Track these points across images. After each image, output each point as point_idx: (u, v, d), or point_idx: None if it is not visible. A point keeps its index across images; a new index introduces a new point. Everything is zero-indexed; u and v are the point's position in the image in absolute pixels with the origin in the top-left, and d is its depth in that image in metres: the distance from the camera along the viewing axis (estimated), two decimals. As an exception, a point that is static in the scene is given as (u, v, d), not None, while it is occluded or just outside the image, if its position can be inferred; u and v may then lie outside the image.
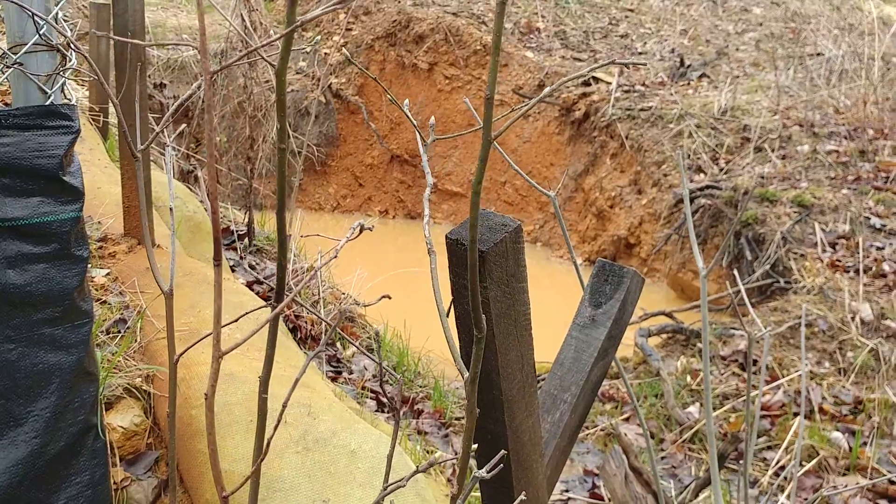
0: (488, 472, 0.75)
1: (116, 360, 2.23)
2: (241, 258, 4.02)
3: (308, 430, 1.97)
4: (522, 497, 0.88)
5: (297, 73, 10.53)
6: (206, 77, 0.61)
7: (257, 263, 4.01)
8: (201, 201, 4.05)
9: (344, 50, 10.76)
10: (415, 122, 0.97)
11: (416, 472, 0.76)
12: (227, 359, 2.24)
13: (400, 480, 0.90)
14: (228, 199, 5.70)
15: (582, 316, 1.52)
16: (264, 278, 3.77)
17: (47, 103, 1.86)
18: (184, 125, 5.00)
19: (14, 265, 1.80)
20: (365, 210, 10.02)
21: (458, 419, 3.16)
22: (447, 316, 1.08)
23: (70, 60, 1.87)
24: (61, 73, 1.85)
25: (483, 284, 1.00)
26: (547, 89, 0.77)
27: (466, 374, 0.83)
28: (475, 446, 0.91)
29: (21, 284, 1.81)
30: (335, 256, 0.82)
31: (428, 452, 2.70)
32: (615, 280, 1.50)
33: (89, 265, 2.01)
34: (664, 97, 8.26)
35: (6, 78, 1.86)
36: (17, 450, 1.82)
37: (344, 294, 3.83)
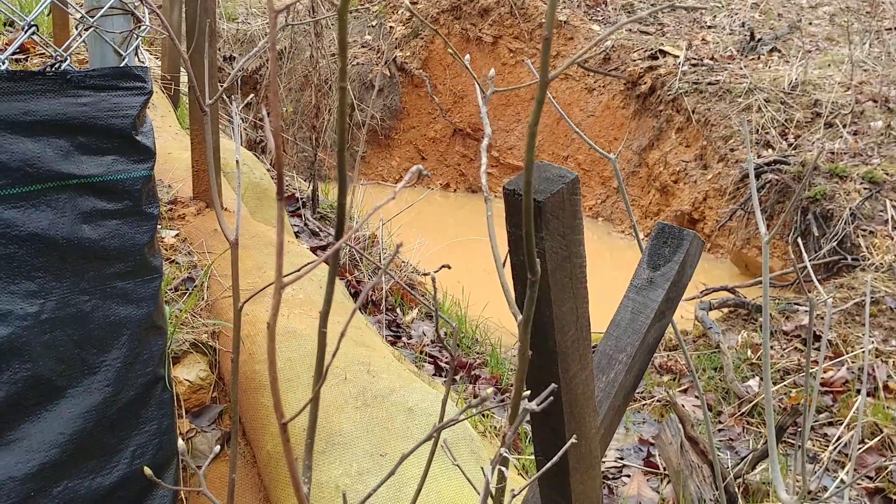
0: (538, 405, 0.77)
1: (184, 316, 2.31)
2: (306, 224, 4.09)
3: (367, 386, 2.02)
4: (574, 440, 0.90)
5: (362, 46, 10.58)
6: (272, 15, 0.64)
7: (321, 230, 4.08)
8: (268, 169, 4.13)
9: (405, 24, 10.77)
10: (474, 74, 0.98)
11: (469, 406, 0.79)
12: (291, 317, 2.29)
13: (451, 420, 0.92)
14: (294, 168, 5.78)
15: (639, 278, 1.53)
16: (328, 244, 3.83)
17: (122, 65, 1.92)
18: (252, 95, 5.08)
19: (89, 220, 1.87)
20: (427, 183, 10.06)
21: (512, 385, 3.17)
22: (503, 265, 1.10)
23: (144, 22, 1.92)
24: (136, 33, 1.91)
25: (539, 235, 1.02)
26: (607, 33, 0.78)
27: (520, 317, 0.85)
28: (527, 392, 0.93)
29: (95, 239, 1.88)
30: (393, 198, 0.84)
31: (484, 416, 2.74)
32: (674, 242, 1.50)
33: (159, 225, 2.08)
34: (733, 71, 8.08)
35: (84, 41, 1.93)
36: (91, 396, 1.90)
37: (404, 262, 3.88)
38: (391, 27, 10.89)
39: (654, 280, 1.50)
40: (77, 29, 1.95)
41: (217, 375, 2.25)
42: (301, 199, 4.32)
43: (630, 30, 9.58)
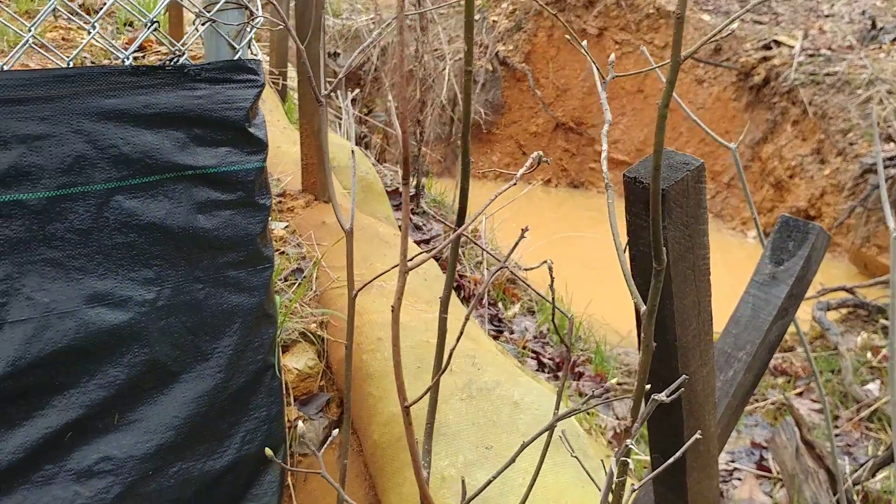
0: (668, 396, 0.74)
1: (293, 306, 2.35)
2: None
3: (472, 379, 2.01)
4: (698, 435, 0.86)
5: (439, 44, 10.59)
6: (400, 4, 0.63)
7: (424, 224, 4.09)
8: (373, 164, 4.17)
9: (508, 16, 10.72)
10: (591, 57, 0.95)
11: (591, 396, 0.76)
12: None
13: (572, 410, 0.90)
14: (398, 164, 5.82)
15: (761, 273, 1.46)
16: (431, 238, 3.85)
17: (235, 58, 1.96)
18: (357, 90, 5.15)
19: (204, 210, 1.92)
20: (528, 178, 10.01)
21: (619, 384, 3.13)
22: (624, 251, 1.06)
23: (257, 15, 1.95)
24: (250, 25, 1.94)
25: (662, 224, 0.98)
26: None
27: (643, 308, 0.82)
28: (648, 385, 0.89)
29: (209, 229, 1.93)
30: (514, 183, 0.82)
31: (589, 414, 2.69)
32: (799, 236, 1.43)
33: (270, 216, 2.12)
34: (852, 62, 7.73)
35: (200, 35, 1.98)
36: (203, 382, 1.95)
37: (507, 257, 3.84)
38: (493, 21, 10.86)
39: (777, 275, 1.44)
40: (194, 24, 2.00)
41: (325, 364, 2.28)
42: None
43: (742, 19, 9.28)
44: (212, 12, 1.91)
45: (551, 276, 0.83)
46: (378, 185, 3.83)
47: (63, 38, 4.59)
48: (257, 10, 1.97)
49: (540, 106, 10.16)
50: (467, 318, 0.71)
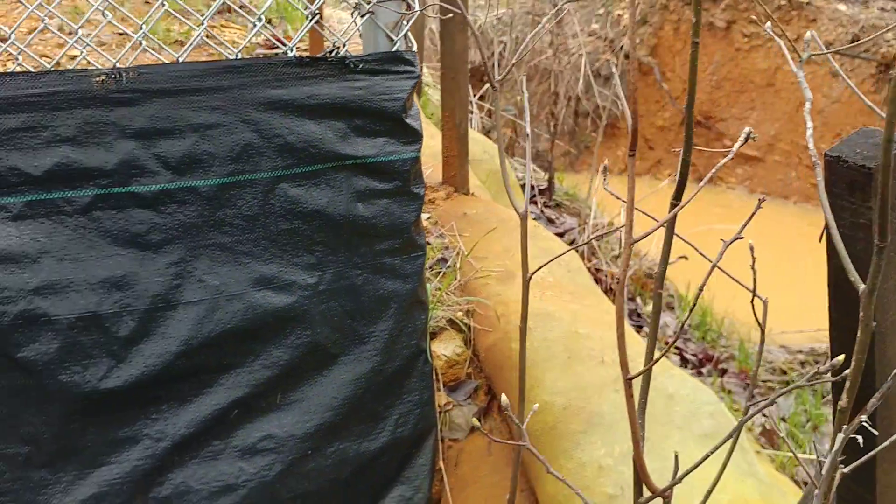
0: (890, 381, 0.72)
1: (441, 294, 2.38)
2: (542, 212, 4.11)
3: (624, 370, 1.99)
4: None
5: (589, 35, 10.49)
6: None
7: (556, 217, 4.08)
8: (513, 158, 4.18)
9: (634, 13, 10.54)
10: (786, 39, 0.92)
11: (798, 385, 0.74)
12: (543, 299, 2.31)
13: (773, 398, 0.88)
14: (536, 158, 5.83)
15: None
16: (564, 231, 3.83)
17: (393, 50, 2.00)
18: (486, 86, 5.18)
19: (363, 199, 1.97)
20: (654, 173, 9.82)
21: (763, 381, 3.04)
22: (819, 240, 1.04)
23: (414, 7, 1.99)
24: (407, 18, 1.98)
25: (866, 205, 0.95)
26: None
27: (862, 287, 0.80)
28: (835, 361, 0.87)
29: (368, 217, 1.98)
30: (729, 158, 0.81)
31: (735, 411, 2.63)
32: None
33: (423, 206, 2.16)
34: None
35: (359, 28, 2.03)
36: (361, 365, 2.01)
37: (644, 253, 3.80)
38: (618, 15, 10.71)
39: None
40: (352, 15, 2.05)
41: (472, 352, 2.31)
42: (536, 186, 4.34)
43: (883, 9, 8.83)
44: (371, 3, 1.95)
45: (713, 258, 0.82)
46: (511, 177, 3.85)
47: (208, 35, 4.79)
48: (414, 1, 2.01)
49: (666, 100, 9.95)
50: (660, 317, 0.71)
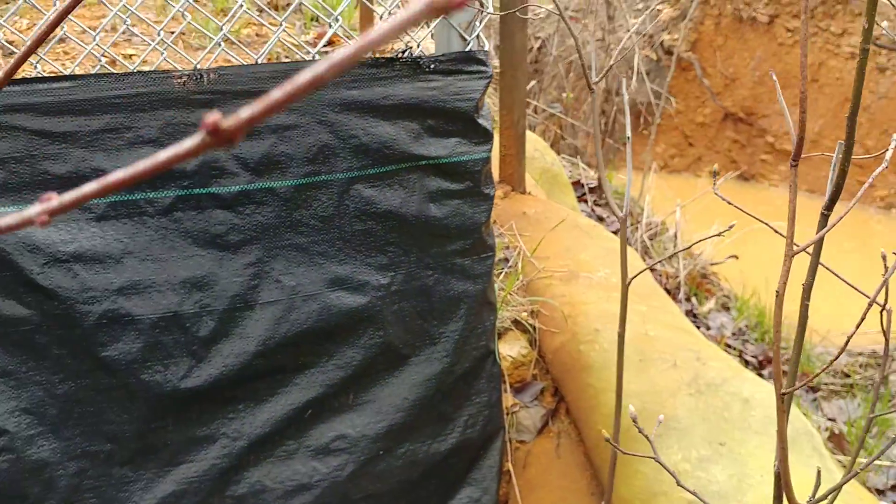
0: None
1: (505, 295, 2.37)
2: (592, 210, 4.08)
3: (698, 374, 1.97)
4: None
5: (627, 30, 10.40)
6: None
7: (607, 216, 4.05)
8: (559, 156, 4.16)
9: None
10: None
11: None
12: (610, 301, 2.29)
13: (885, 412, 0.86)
14: (579, 155, 5.79)
15: None
16: (616, 230, 3.81)
17: (467, 49, 1.99)
18: (534, 82, 5.14)
19: (435, 199, 1.97)
20: (694, 170, 9.72)
21: (826, 384, 3.00)
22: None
23: (486, 8, 1.98)
24: (479, 19, 1.97)
25: None
26: None
27: None
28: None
29: (440, 217, 1.97)
30: (886, 167, 0.79)
31: (804, 415, 2.59)
32: None
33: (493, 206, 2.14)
34: None
35: (432, 30, 2.02)
36: (432, 365, 2.00)
37: (698, 253, 3.76)
38: (658, 9, 10.60)
39: None
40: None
41: (537, 353, 2.30)
42: (587, 184, 4.31)
43: (932, 2, 8.66)
44: (445, 5, 1.94)
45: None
46: (563, 176, 3.83)
47: (257, 34, 4.82)
48: (487, 1, 2.00)
49: (707, 96, 9.85)
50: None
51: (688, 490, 0.92)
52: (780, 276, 0.65)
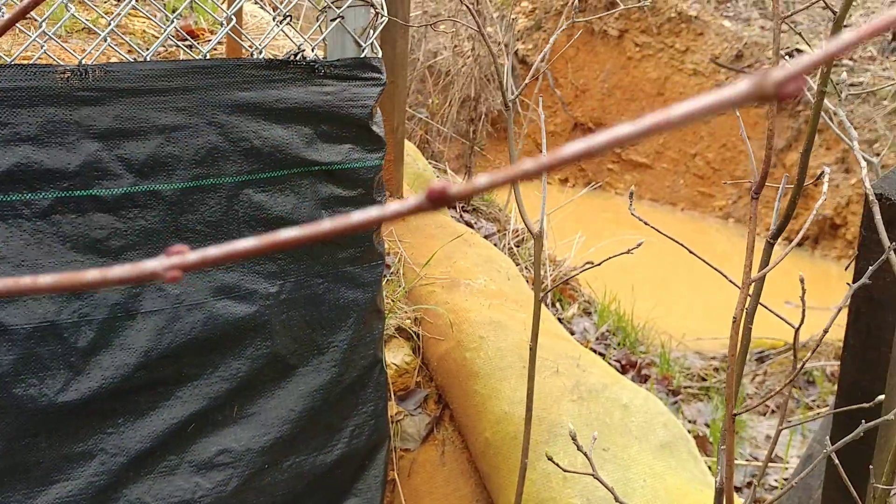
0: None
1: (390, 303, 2.36)
2: (460, 216, 4.13)
3: (580, 380, 2.03)
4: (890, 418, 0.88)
5: (494, 40, 10.59)
6: None
7: (474, 222, 4.11)
8: (429, 161, 4.18)
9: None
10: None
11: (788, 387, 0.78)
12: (491, 307, 2.32)
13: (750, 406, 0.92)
14: (447, 162, 5.83)
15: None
16: (485, 237, 3.87)
17: (361, 55, 1.97)
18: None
19: (327, 206, 1.94)
20: (548, 178, 10.03)
21: (685, 387, 3.16)
22: (846, 269, 1.08)
23: (382, 13, 1.97)
24: (374, 25, 1.96)
25: (898, 242, 1.00)
26: None
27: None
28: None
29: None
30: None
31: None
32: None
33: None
34: (875, 73, 7.78)
35: (325, 35, 1.99)
36: (319, 376, 1.97)
37: (561, 259, 3.88)
38: (513, 19, 10.87)
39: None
40: (317, 20, 2.01)
41: (421, 360, 2.30)
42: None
43: (763, 27, 9.32)
44: (341, 9, 1.92)
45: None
46: (434, 181, 3.85)
47: (118, 25, 4.58)
48: (382, 8, 1.99)
49: (558, 105, 10.18)
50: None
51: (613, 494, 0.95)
52: (737, 304, 0.68)
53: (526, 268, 3.75)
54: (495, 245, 3.83)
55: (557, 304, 3.58)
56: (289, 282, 1.90)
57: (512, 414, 1.96)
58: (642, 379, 3.17)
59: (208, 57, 1.85)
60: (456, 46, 8.74)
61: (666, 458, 1.86)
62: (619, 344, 3.43)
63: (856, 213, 6.53)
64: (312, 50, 1.92)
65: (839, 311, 0.98)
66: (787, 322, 0.94)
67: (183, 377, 1.81)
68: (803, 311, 0.97)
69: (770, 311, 0.97)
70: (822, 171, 0.89)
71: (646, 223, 1.13)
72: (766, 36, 9.03)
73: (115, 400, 1.70)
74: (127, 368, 1.70)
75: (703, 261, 0.88)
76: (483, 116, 9.35)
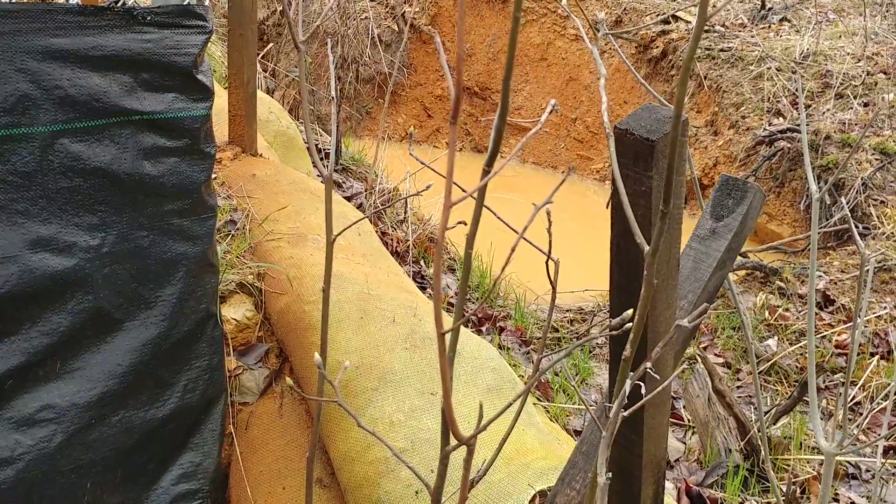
0: (690, 323, 0.81)
1: (232, 258, 2.34)
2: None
3: (414, 329, 2.07)
4: (648, 366, 0.94)
5: (371, 0, 10.49)
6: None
7: (343, 182, 4.10)
8: (294, 119, 4.13)
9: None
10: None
11: (582, 342, 0.82)
12: (337, 261, 2.33)
13: (558, 359, 0.96)
14: (317, 121, 5.76)
15: (702, 228, 1.57)
16: (351, 195, 3.86)
17: (185, 3, 1.93)
18: (271, 45, 5.06)
19: (149, 157, 1.90)
20: (433, 142, 10.04)
21: (537, 338, 3.25)
22: (607, 207, 1.14)
23: (206, -38, 1.92)
24: (198, -27, 1.91)
25: (647, 174, 1.06)
26: None
27: (647, 248, 0.89)
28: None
29: (155, 175, 1.91)
30: (537, 130, 0.88)
31: (513, 366, 2.79)
32: (738, 194, 1.54)
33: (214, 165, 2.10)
34: (744, 39, 8.07)
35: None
36: (147, 330, 1.94)
37: (427, 218, 3.91)
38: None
39: (717, 230, 1.55)
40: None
41: (263, 315, 2.29)
42: (323, 150, 4.33)
43: (642, -7, 9.52)
44: (161, -45, 1.87)
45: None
46: (298, 139, 3.81)
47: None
48: (206, -45, 1.94)
49: (445, 70, 10.18)
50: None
51: (366, 430, 0.98)
52: (440, 227, 0.70)
53: (392, 226, 3.76)
54: (361, 204, 3.83)
55: (422, 262, 3.62)
56: (111, 234, 1.86)
57: (341, 363, 1.98)
58: (498, 331, 3.25)
59: (15, 0, 1.77)
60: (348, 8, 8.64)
61: (492, 400, 1.92)
62: (478, 298, 3.49)
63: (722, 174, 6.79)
64: (131, -4, 1.86)
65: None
66: (539, 249, 0.99)
67: (-2, 332, 1.75)
68: (550, 241, 1.01)
69: (530, 242, 1.01)
70: (552, 103, 0.93)
71: (425, 164, 1.16)
72: (644, 2, 9.23)
73: (-81, 356, 1.64)
74: (-67, 324, 1.64)
75: (514, 230, 0.91)
76: (372, 80, 9.27)
